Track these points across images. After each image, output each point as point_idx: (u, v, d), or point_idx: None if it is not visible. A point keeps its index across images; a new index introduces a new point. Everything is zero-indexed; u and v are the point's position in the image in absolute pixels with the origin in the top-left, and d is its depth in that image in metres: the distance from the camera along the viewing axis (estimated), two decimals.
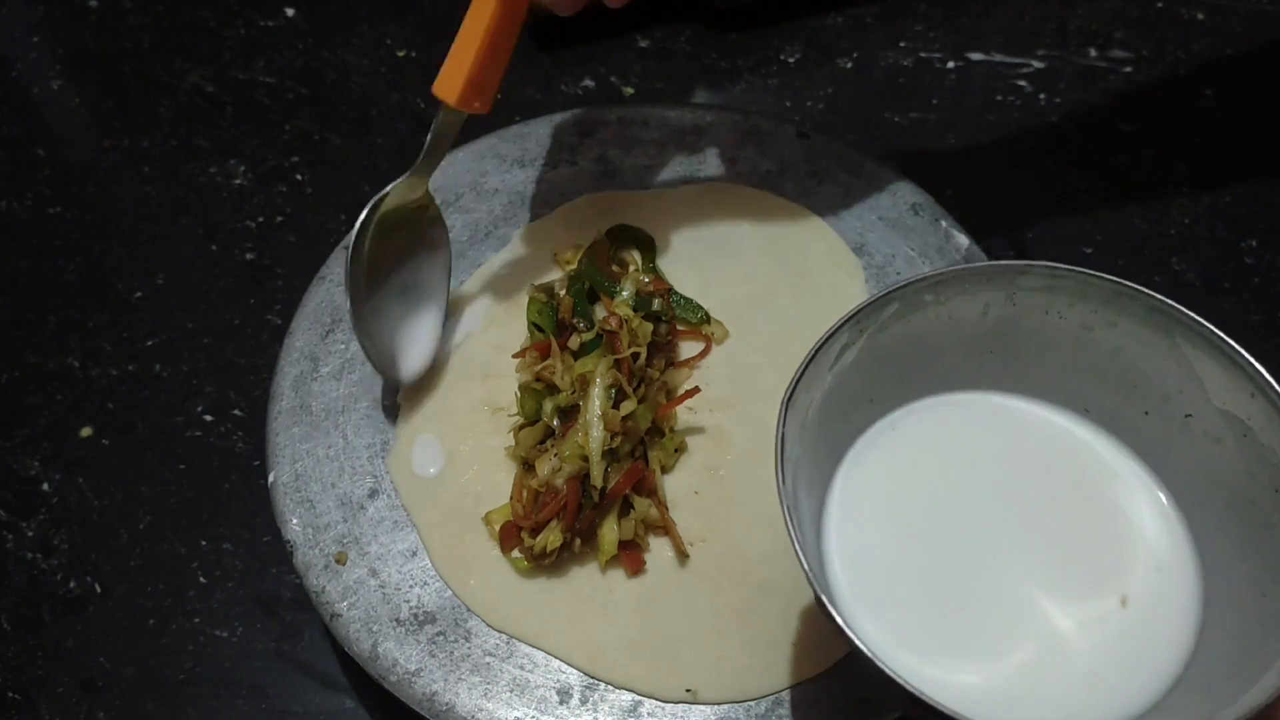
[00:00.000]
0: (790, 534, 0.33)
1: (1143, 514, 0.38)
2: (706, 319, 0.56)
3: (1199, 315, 0.36)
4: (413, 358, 0.54)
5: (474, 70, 0.50)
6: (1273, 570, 0.34)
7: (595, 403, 0.49)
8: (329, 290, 0.57)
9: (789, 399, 0.34)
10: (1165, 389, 0.38)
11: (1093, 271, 0.37)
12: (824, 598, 0.32)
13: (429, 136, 0.53)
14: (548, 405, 0.51)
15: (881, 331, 0.37)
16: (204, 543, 0.56)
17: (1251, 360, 0.35)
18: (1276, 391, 0.34)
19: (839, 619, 0.31)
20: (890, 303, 0.37)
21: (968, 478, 0.38)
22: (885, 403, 0.40)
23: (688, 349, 0.56)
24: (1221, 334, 0.35)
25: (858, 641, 0.31)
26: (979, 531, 0.37)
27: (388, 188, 0.53)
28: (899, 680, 0.30)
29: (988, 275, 0.38)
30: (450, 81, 0.50)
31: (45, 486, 0.58)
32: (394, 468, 0.52)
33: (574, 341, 0.53)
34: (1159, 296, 0.37)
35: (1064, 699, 0.34)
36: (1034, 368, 0.40)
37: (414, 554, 0.50)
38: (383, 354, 0.52)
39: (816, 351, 0.35)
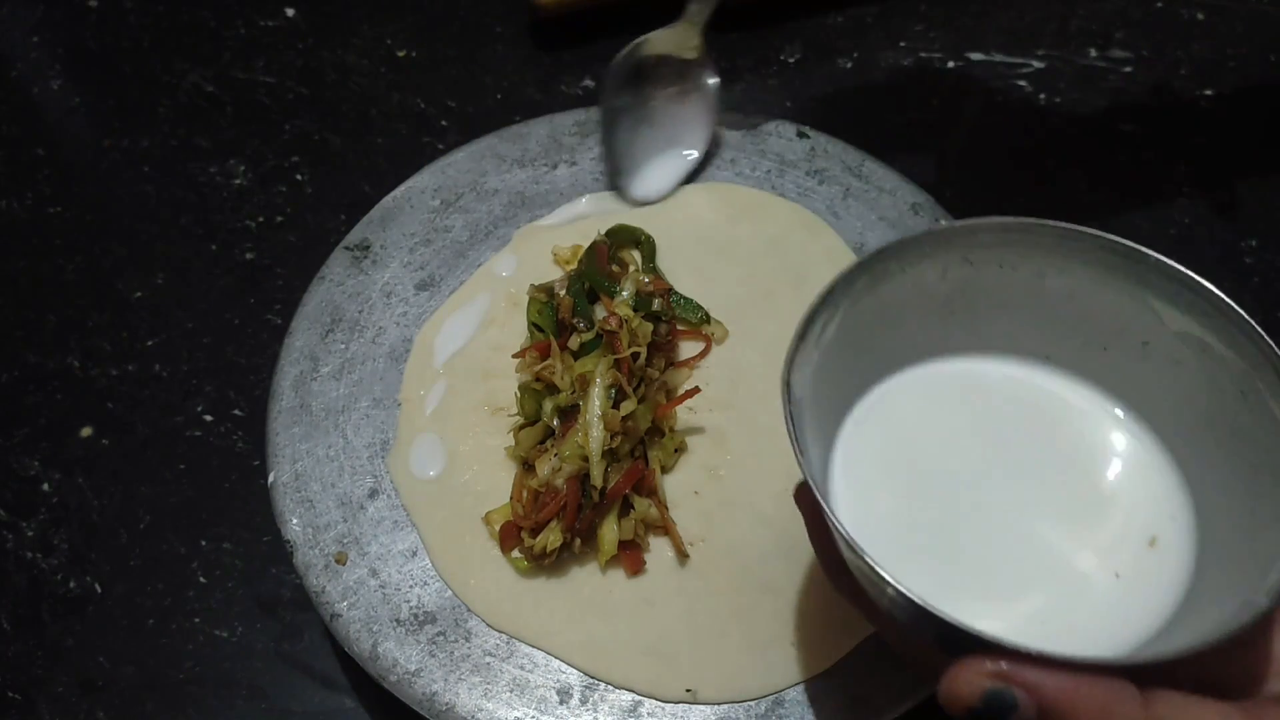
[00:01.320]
0: (825, 510, 0.34)
1: (1112, 444, 0.40)
2: (706, 319, 0.56)
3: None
4: (650, 180, 0.60)
5: None
6: (1254, 469, 0.35)
7: (595, 403, 0.49)
8: (329, 290, 0.57)
9: (787, 378, 0.36)
10: (1120, 323, 0.39)
11: (1040, 220, 0.39)
12: (853, 540, 0.33)
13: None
14: (548, 405, 0.51)
15: (855, 305, 0.39)
16: (204, 543, 0.56)
17: (1201, 281, 0.36)
18: (1228, 305, 0.36)
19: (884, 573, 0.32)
20: (859, 275, 0.38)
21: (953, 443, 0.40)
22: (864, 378, 0.41)
23: (688, 349, 0.56)
24: (1169, 260, 0.37)
25: (893, 581, 0.32)
26: (974, 490, 0.39)
27: (654, 33, 0.58)
28: (947, 617, 0.31)
29: (945, 237, 0.39)
30: None
31: (45, 486, 0.58)
32: (394, 468, 0.52)
33: (574, 341, 0.53)
34: (1106, 235, 0.38)
35: (1080, 630, 0.35)
36: (995, 324, 0.41)
37: (414, 554, 0.50)
38: (615, 164, 0.60)
39: (804, 329, 0.37)
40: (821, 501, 0.33)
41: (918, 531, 0.38)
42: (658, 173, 0.60)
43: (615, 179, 0.59)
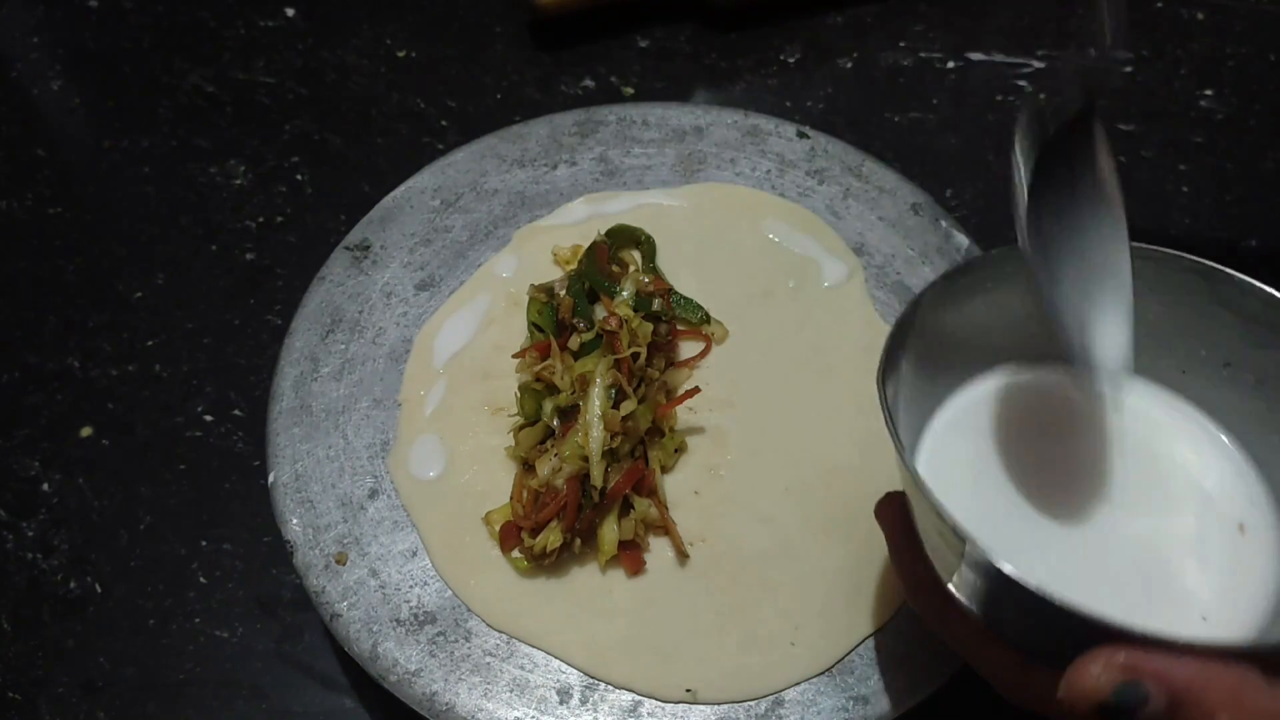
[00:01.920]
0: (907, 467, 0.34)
1: (1192, 444, 0.40)
2: (706, 319, 0.56)
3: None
4: (1109, 335, 0.39)
5: None
6: None
7: (595, 403, 0.49)
8: (329, 290, 0.57)
9: (881, 380, 0.36)
10: (1199, 344, 0.39)
11: (1137, 244, 0.38)
12: (943, 511, 0.32)
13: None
14: (548, 405, 0.51)
15: (940, 314, 0.39)
16: (204, 543, 0.56)
17: None
18: None
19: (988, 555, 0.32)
20: (945, 285, 0.39)
21: (1034, 450, 0.40)
22: (947, 385, 0.42)
23: (688, 349, 0.56)
24: (1250, 279, 0.37)
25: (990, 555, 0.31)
26: (1060, 493, 0.39)
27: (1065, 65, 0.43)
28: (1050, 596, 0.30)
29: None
30: None
31: (45, 486, 0.58)
32: (394, 468, 0.52)
33: (574, 341, 0.53)
34: (1183, 255, 0.38)
35: (1184, 625, 0.35)
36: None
37: (414, 554, 0.50)
38: (1075, 330, 0.38)
39: (895, 335, 0.37)
40: (927, 489, 0.33)
41: (1006, 530, 0.38)
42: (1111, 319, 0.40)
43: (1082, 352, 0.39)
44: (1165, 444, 0.40)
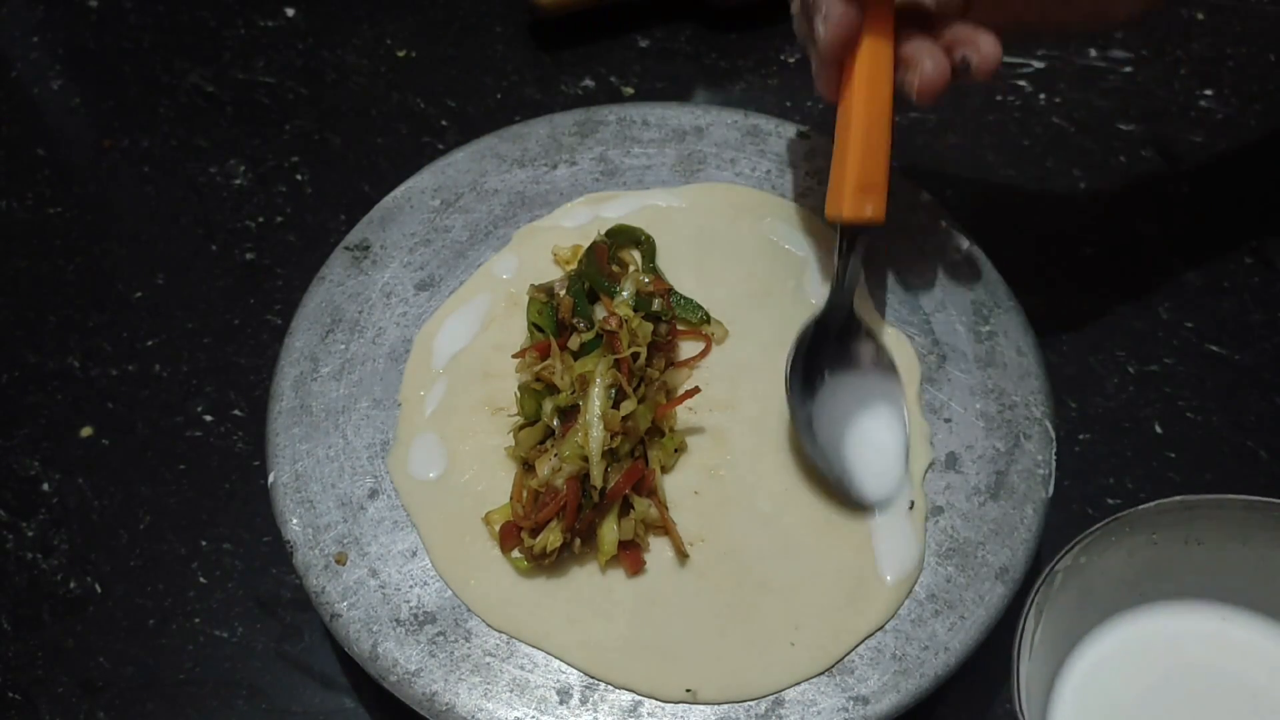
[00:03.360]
0: None
1: None
2: (706, 319, 0.56)
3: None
4: (876, 476, 0.50)
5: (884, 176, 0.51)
6: None
7: (595, 403, 0.49)
8: (329, 290, 0.57)
9: (1020, 708, 0.36)
10: None
11: (1225, 496, 0.40)
12: None
13: (844, 267, 0.53)
14: (548, 405, 0.51)
15: (1053, 605, 0.40)
16: (204, 543, 0.56)
17: None
18: None
19: None
20: (1055, 577, 0.39)
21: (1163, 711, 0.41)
22: (1061, 656, 0.42)
23: (688, 349, 0.56)
24: None
25: None
26: None
27: (808, 323, 0.53)
28: None
29: (1130, 522, 0.40)
30: (867, 194, 0.50)
31: (45, 486, 0.58)
32: (394, 468, 0.52)
33: (574, 341, 0.53)
34: None
35: None
36: (1184, 586, 0.42)
37: (414, 554, 0.50)
38: (838, 470, 0.50)
39: (1019, 647, 0.38)
40: None
41: None
42: (880, 463, 0.51)
43: (842, 488, 0.50)
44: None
